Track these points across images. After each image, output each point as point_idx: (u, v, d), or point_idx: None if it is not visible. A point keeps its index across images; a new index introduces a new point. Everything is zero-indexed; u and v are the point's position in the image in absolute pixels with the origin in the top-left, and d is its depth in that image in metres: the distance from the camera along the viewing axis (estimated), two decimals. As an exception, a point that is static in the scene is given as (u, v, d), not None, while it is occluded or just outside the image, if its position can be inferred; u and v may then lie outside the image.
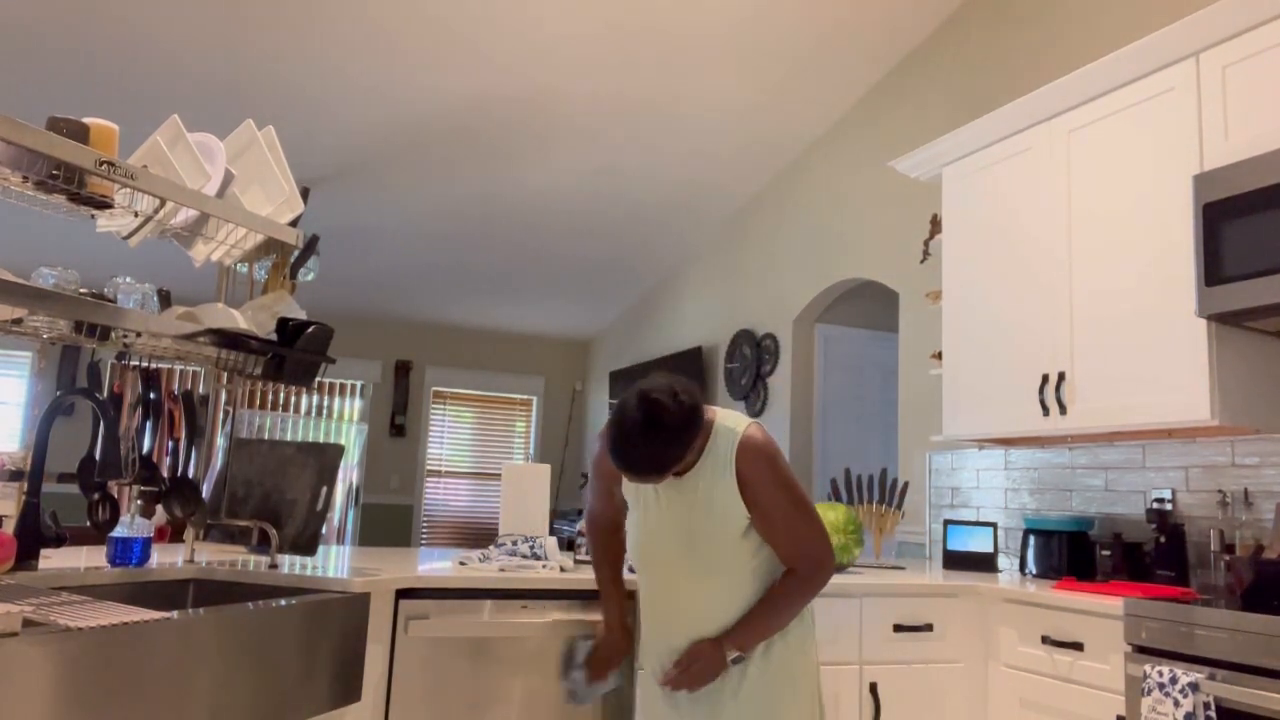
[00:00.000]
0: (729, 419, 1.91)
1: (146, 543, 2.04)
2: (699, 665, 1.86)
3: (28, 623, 1.30)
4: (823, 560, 1.88)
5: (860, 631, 2.47)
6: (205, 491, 2.35)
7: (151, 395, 2.22)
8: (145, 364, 2.23)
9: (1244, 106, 2.35)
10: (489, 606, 2.17)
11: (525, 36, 4.12)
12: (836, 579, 2.48)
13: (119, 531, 2.02)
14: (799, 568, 1.88)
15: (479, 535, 8.37)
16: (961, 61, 3.98)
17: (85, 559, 2.08)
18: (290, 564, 2.19)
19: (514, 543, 2.48)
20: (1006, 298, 3.03)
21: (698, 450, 1.87)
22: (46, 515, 1.92)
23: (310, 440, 2.60)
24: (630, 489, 2.00)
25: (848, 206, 4.73)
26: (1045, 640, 2.40)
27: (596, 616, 2.25)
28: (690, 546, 1.88)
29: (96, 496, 2.05)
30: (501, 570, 2.29)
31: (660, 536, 1.92)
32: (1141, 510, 2.88)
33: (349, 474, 7.78)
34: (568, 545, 2.97)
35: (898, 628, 2.49)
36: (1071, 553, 2.87)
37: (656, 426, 1.70)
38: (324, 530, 4.46)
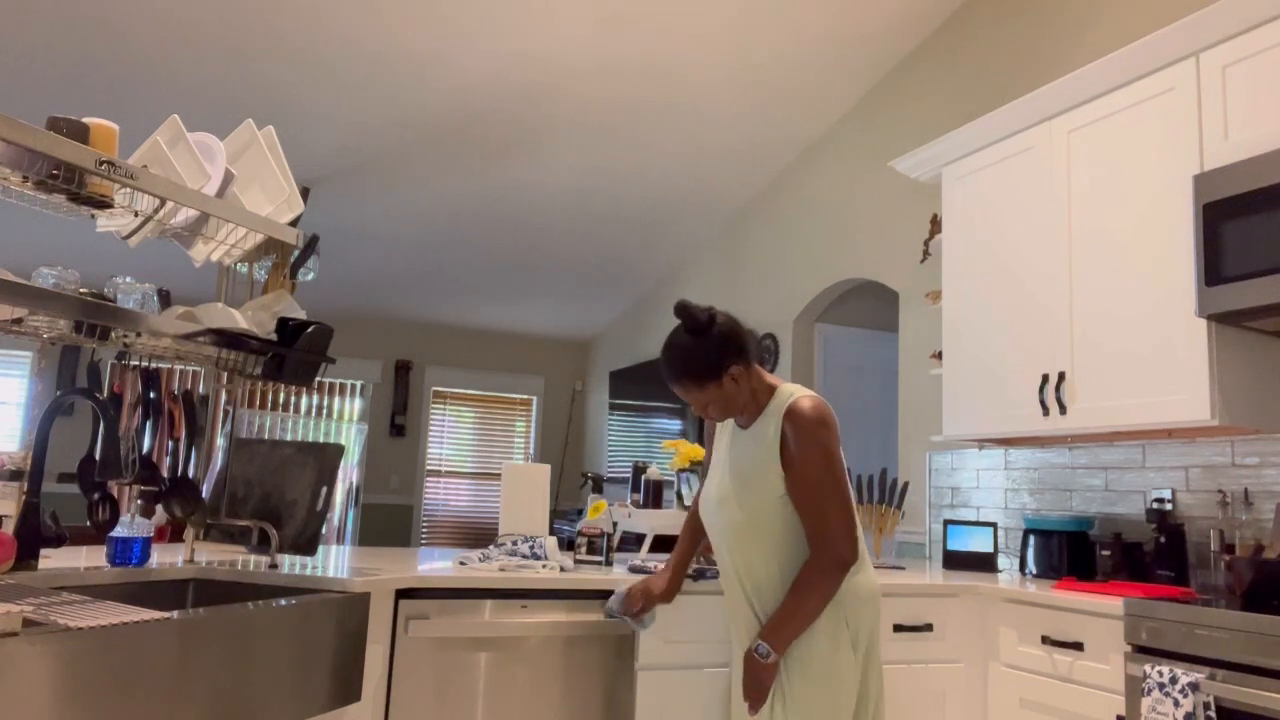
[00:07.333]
0: (793, 387, 2.05)
1: (146, 543, 2.04)
2: (747, 677, 1.95)
3: (28, 623, 1.30)
4: (838, 546, 1.91)
5: (860, 631, 2.47)
6: (205, 491, 2.35)
7: (151, 395, 2.22)
8: (145, 364, 2.23)
9: (1244, 106, 2.35)
10: (489, 606, 2.17)
11: (525, 35, 4.12)
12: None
13: (119, 531, 2.02)
14: (817, 554, 1.92)
15: (479, 535, 8.37)
16: (961, 61, 3.98)
17: (85, 559, 2.08)
18: (290, 564, 2.19)
19: (514, 543, 2.48)
20: (1006, 298, 3.03)
21: (759, 404, 2.03)
22: (46, 515, 1.92)
23: (310, 440, 2.60)
24: (714, 446, 2.18)
25: (848, 206, 4.72)
26: (1045, 640, 2.40)
27: (596, 617, 2.25)
28: (736, 492, 2.01)
29: (96, 496, 2.05)
30: (501, 570, 2.29)
31: (717, 479, 2.08)
32: (1141, 510, 2.88)
33: (349, 474, 7.77)
34: (568, 545, 2.97)
35: (898, 628, 2.49)
36: (1071, 553, 2.87)
37: (685, 328, 1.98)
38: (324, 530, 4.46)
